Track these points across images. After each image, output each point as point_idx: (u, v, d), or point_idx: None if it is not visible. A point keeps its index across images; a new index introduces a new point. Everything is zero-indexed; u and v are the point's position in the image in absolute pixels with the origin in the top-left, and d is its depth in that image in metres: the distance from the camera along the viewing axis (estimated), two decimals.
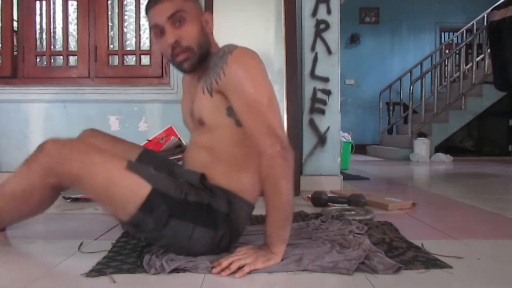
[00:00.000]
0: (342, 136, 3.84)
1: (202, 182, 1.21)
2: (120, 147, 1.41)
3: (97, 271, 1.10)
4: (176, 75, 2.76)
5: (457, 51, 6.46)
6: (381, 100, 7.47)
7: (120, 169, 1.12)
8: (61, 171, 1.12)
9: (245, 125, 1.14)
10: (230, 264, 1.10)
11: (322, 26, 2.68)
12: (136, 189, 1.12)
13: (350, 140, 4.14)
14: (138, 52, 2.87)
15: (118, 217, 1.18)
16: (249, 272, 1.09)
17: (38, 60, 2.92)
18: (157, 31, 1.20)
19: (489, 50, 4.88)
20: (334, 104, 2.67)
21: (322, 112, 2.68)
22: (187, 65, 1.21)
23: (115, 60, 2.93)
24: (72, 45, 2.95)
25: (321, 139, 2.68)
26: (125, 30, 2.98)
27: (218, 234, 1.17)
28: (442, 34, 8.46)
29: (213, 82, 1.18)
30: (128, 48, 2.99)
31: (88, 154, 1.13)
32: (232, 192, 1.23)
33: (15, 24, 2.93)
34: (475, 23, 6.67)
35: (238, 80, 1.12)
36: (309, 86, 2.68)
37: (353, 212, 1.83)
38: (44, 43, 2.97)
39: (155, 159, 1.42)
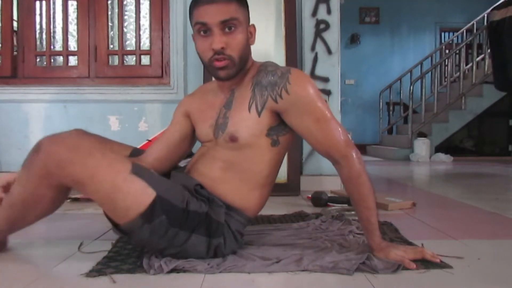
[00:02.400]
0: None
1: (196, 190, 1.19)
2: (109, 149, 1.32)
3: (97, 271, 1.10)
4: (176, 75, 2.76)
5: (457, 51, 6.46)
6: (381, 100, 7.47)
7: (125, 174, 1.07)
8: (62, 174, 1.07)
9: (316, 139, 1.17)
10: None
11: (322, 26, 2.68)
12: (140, 195, 1.08)
13: None
14: (138, 52, 2.88)
15: (116, 219, 1.13)
16: (248, 273, 1.10)
17: (38, 60, 2.92)
18: (201, 29, 1.15)
19: (489, 50, 4.88)
20: (334, 104, 2.67)
21: None
22: (223, 73, 1.18)
23: (115, 60, 2.93)
24: (72, 45, 2.95)
25: None
26: (125, 30, 2.98)
27: (213, 242, 1.16)
28: (442, 34, 8.46)
29: (269, 101, 1.17)
30: (128, 48, 2.99)
31: (90, 155, 1.06)
32: (234, 207, 1.22)
33: (15, 24, 2.93)
34: (475, 23, 6.67)
35: (305, 98, 1.17)
36: None
37: (353, 212, 1.83)
38: (44, 43, 2.97)
39: None
